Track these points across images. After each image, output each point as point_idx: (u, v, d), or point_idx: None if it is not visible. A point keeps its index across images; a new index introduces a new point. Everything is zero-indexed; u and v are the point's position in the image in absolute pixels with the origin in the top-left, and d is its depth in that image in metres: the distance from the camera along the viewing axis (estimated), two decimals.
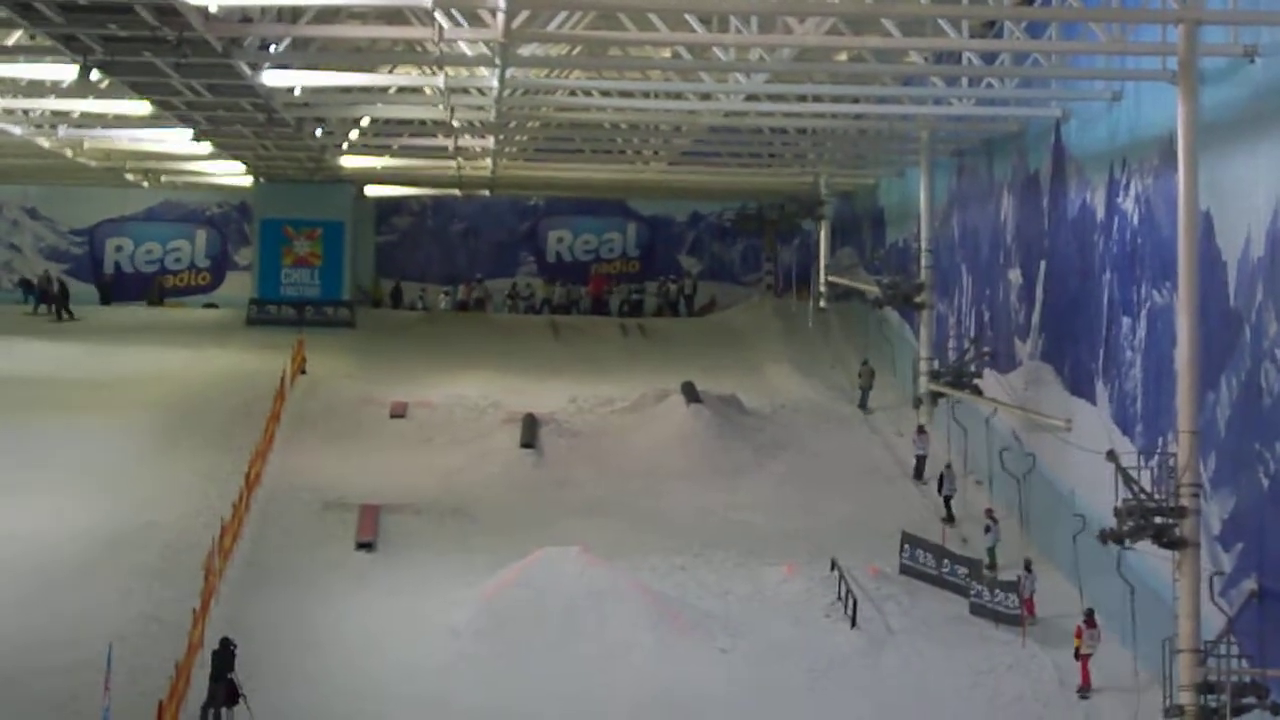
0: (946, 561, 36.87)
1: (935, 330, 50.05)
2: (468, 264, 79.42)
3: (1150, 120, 32.48)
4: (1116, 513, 27.52)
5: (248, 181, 69.16)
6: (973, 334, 46.54)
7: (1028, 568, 36.62)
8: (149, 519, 39.78)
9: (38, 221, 76.78)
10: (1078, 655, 32.46)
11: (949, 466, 44.25)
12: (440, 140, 52.17)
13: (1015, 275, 42.84)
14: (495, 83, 35.93)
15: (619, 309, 76.63)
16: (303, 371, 57.29)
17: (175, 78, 33.41)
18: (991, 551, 39.54)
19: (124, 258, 77.45)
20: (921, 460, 47.30)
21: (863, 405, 55.86)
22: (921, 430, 47.97)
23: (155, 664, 30.02)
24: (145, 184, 69.85)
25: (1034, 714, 31.47)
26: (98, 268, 76.96)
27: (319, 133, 49.72)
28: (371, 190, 73.32)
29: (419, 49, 37.55)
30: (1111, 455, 28.32)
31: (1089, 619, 32.75)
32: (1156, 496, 27.33)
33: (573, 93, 43.50)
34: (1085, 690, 32.13)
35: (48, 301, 70.88)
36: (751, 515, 42.95)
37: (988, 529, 39.99)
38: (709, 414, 49.55)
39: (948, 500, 43.50)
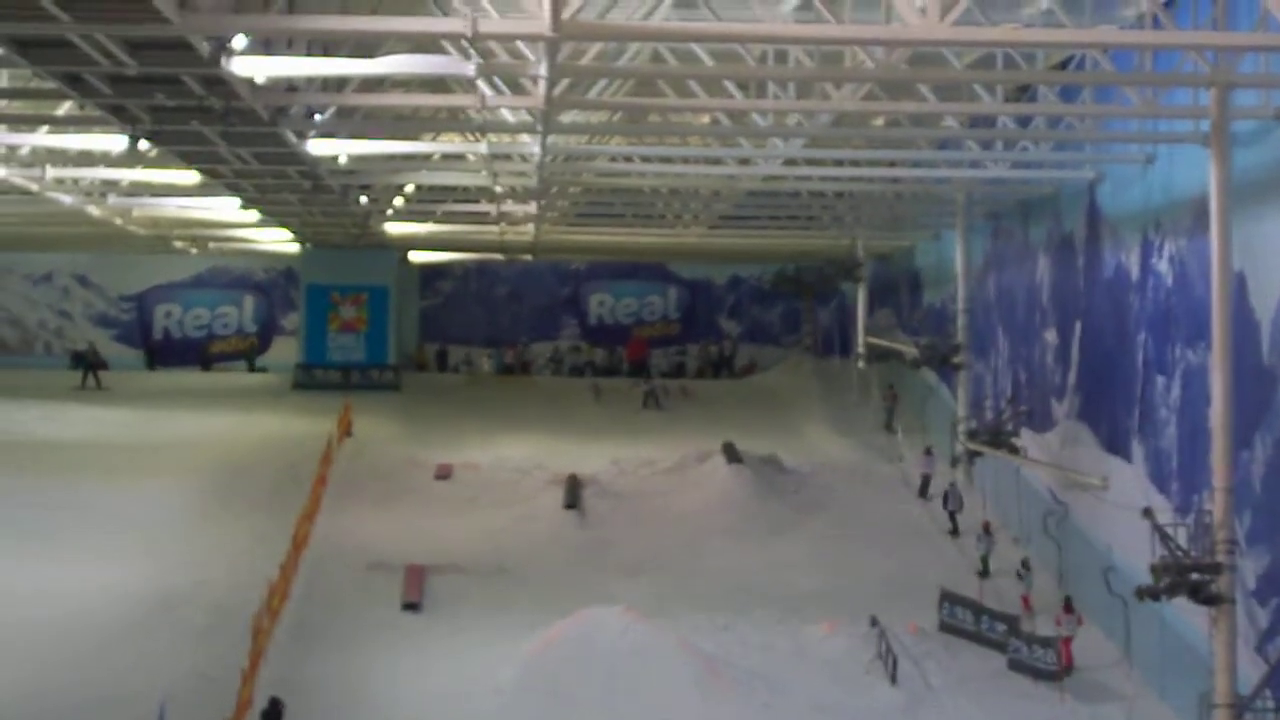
0: (985, 618, 37.04)
1: (972, 390, 50.41)
2: (511, 328, 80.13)
3: (1183, 182, 32.62)
4: (1153, 569, 27.71)
5: (294, 248, 69.96)
6: (1009, 394, 46.83)
7: (1026, 565, 40.19)
8: (199, 579, 40.21)
9: (88, 288, 77.85)
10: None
11: (954, 484, 47.44)
12: (483, 206, 52.70)
13: (1051, 336, 43.08)
14: (537, 149, 36.33)
15: (657, 376, 76.86)
16: (349, 434, 57.84)
17: (222, 146, 33.82)
18: (985, 559, 42.59)
19: (173, 323, 78.33)
20: (926, 479, 50.76)
21: (888, 426, 60.09)
22: (929, 451, 51.76)
23: None
24: (193, 251, 70.64)
25: None
26: (147, 334, 77.85)
27: (364, 199, 50.26)
28: (415, 255, 74.03)
29: (462, 117, 38.04)
30: (1148, 513, 28.55)
31: (1067, 606, 36.22)
32: (1193, 553, 27.57)
33: (613, 159, 43.93)
34: (1068, 669, 34.54)
35: (90, 370, 71.27)
36: (792, 573, 43.16)
37: (979, 539, 43.08)
38: (750, 474, 49.97)
39: (953, 515, 46.70)
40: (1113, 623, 35.03)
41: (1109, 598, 34.27)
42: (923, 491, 50.88)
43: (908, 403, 61.87)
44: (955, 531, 46.59)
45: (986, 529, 43.40)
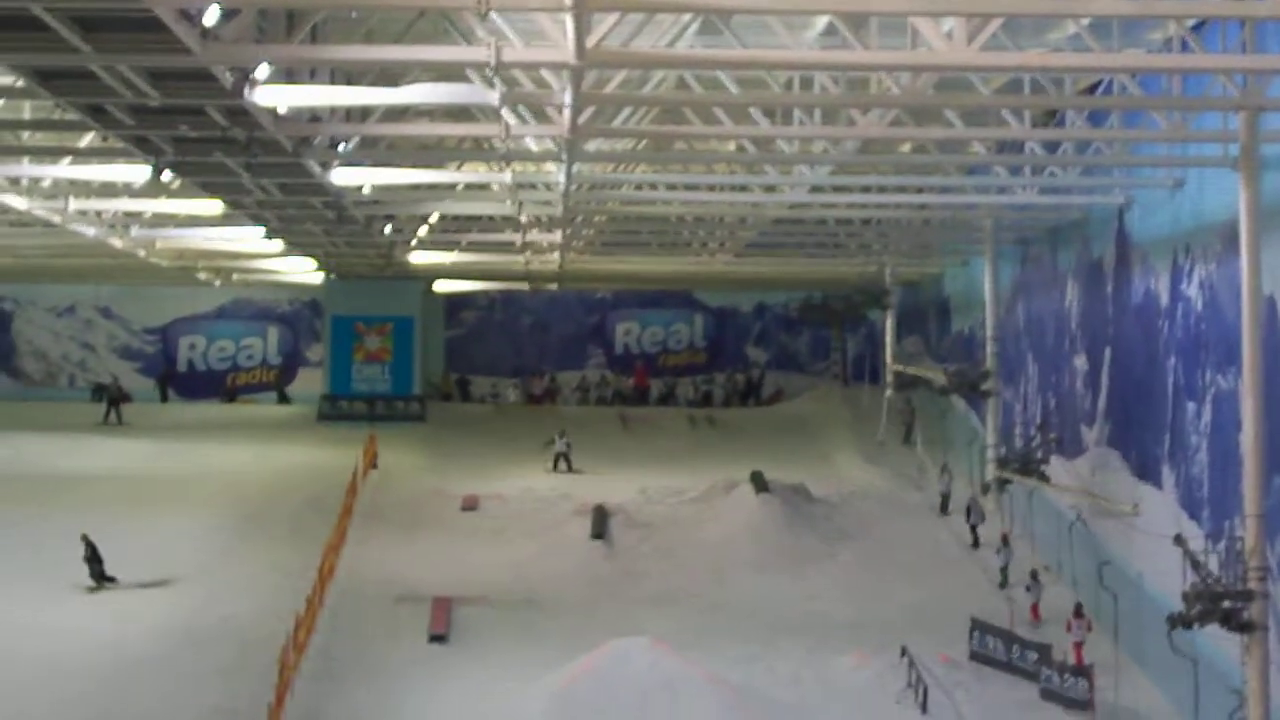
0: (1016, 647, 36.78)
1: (1002, 417, 50.22)
2: (536, 357, 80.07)
3: (1213, 206, 32.50)
4: (1185, 597, 27.54)
5: (318, 278, 69.90)
6: (1039, 421, 46.59)
7: (1035, 577, 41.31)
8: (224, 613, 40.17)
9: (111, 320, 77.89)
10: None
11: (974, 499, 49.01)
12: (508, 235, 52.55)
13: (1081, 362, 42.90)
14: (562, 178, 36.29)
15: (685, 401, 77.66)
16: (374, 466, 57.77)
17: (246, 177, 33.61)
18: (1004, 570, 44.06)
19: (197, 355, 78.29)
20: (946, 497, 52.42)
21: (907, 440, 62.97)
22: (944, 468, 53.55)
23: None
24: (217, 283, 70.59)
25: None
26: (171, 366, 77.84)
27: (388, 230, 50.18)
28: (440, 285, 74.01)
29: (486, 146, 37.95)
30: (1179, 539, 28.37)
31: (1077, 611, 37.69)
32: (1224, 580, 27.37)
33: (638, 186, 43.79)
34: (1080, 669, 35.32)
35: (114, 405, 71.16)
36: (821, 603, 43.00)
37: (998, 550, 44.57)
38: (778, 503, 49.76)
39: (974, 528, 48.22)
40: (1143, 652, 34.84)
41: (1136, 619, 34.20)
42: (943, 508, 52.32)
43: (926, 418, 62.16)
44: (976, 544, 48.08)
45: (1005, 540, 44.64)
